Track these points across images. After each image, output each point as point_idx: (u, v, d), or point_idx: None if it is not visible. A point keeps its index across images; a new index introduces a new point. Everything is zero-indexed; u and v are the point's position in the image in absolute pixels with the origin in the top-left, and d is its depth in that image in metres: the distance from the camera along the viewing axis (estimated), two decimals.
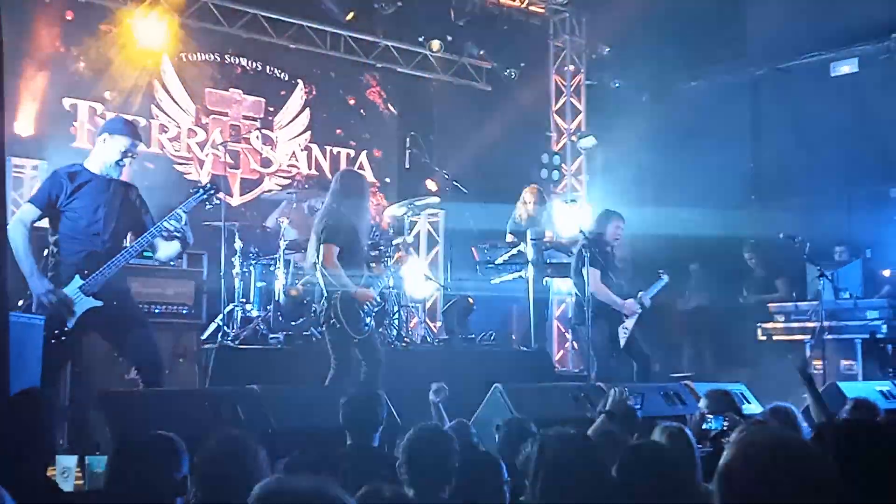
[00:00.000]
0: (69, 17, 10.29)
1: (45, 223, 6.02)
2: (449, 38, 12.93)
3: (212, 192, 6.28)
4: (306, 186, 10.67)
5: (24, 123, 9.76)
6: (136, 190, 6.30)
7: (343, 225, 7.10)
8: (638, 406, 5.50)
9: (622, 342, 8.65)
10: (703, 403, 5.98)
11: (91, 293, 5.79)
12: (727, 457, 2.00)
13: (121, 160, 6.05)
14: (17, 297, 5.66)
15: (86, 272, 5.81)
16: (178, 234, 6.08)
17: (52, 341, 5.62)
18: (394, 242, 9.41)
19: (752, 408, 7.45)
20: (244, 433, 3.63)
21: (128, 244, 6.11)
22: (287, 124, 12.15)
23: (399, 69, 13.07)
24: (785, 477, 1.90)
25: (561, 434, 2.97)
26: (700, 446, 4.41)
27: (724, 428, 5.26)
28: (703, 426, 5.35)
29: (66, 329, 5.74)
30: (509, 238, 10.34)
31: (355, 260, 7.19)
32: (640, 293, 8.82)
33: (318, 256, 7.05)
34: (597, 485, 2.68)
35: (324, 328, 7.17)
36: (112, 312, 5.88)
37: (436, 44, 12.72)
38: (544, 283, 10.29)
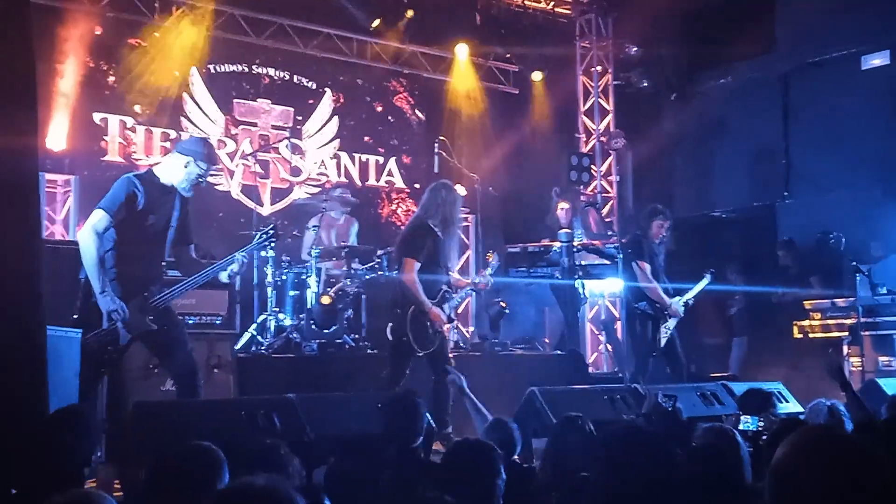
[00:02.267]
0: (98, 32, 10.36)
1: None
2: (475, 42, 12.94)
3: (272, 237, 6.26)
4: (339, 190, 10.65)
5: (55, 138, 9.82)
6: (189, 201, 6.22)
7: (428, 239, 7.19)
8: (669, 408, 5.44)
9: (663, 343, 8.58)
10: (739, 403, 5.94)
11: (149, 315, 5.81)
12: (781, 455, 1.99)
13: (196, 184, 6.05)
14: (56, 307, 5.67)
15: (146, 294, 5.81)
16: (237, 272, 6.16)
17: (105, 357, 5.68)
18: None
19: (790, 406, 7.36)
20: (275, 443, 3.62)
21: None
22: (315, 133, 12.17)
23: (426, 74, 13.07)
24: (838, 475, 1.89)
25: (626, 426, 2.94)
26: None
27: (760, 428, 5.21)
28: (740, 427, 5.30)
29: (120, 346, 5.78)
30: (545, 242, 10.32)
31: (435, 273, 7.27)
32: (684, 295, 8.76)
33: (398, 267, 7.20)
34: (661, 483, 2.64)
35: (390, 336, 7.22)
36: (161, 331, 5.90)
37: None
38: (576, 285, 10.26)
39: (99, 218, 5.73)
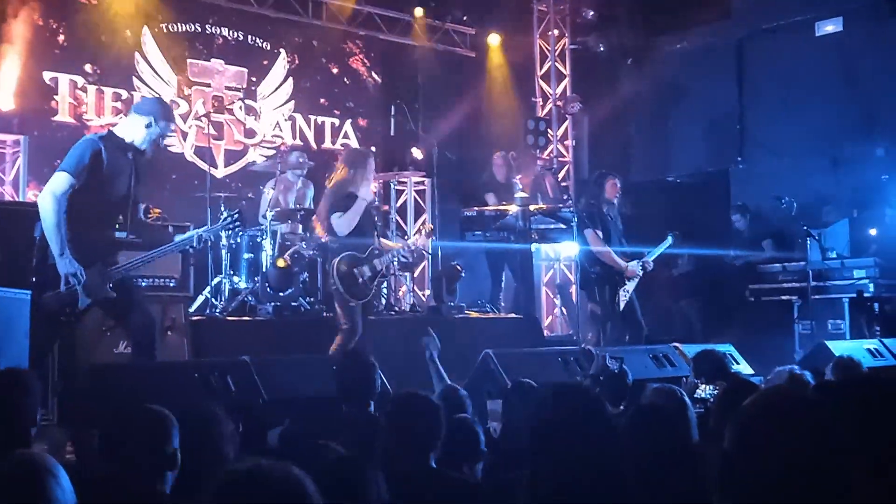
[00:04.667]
0: None
1: None
2: (432, 4, 12.87)
3: (237, 224, 6.41)
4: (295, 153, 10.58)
5: (3, 98, 9.65)
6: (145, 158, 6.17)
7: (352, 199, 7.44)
8: (616, 369, 5.51)
9: (621, 306, 8.64)
10: (693, 366, 6.02)
11: (109, 282, 5.75)
12: (746, 405, 2.07)
13: (157, 143, 6.06)
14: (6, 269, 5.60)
15: (109, 259, 5.77)
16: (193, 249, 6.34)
17: (62, 318, 5.65)
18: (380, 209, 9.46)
19: (741, 368, 7.48)
20: (210, 406, 3.62)
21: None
22: (270, 94, 12.06)
23: (382, 36, 12.97)
24: (796, 426, 1.96)
25: (563, 386, 2.96)
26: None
27: (713, 398, 5.28)
28: (696, 395, 5.37)
29: (78, 309, 5.71)
30: (492, 202, 10.35)
31: (364, 232, 7.54)
32: (644, 256, 8.80)
33: (326, 228, 7.50)
34: (600, 441, 2.68)
35: (332, 292, 7.54)
36: (119, 297, 5.85)
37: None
38: (532, 249, 10.30)
39: (60, 181, 5.62)
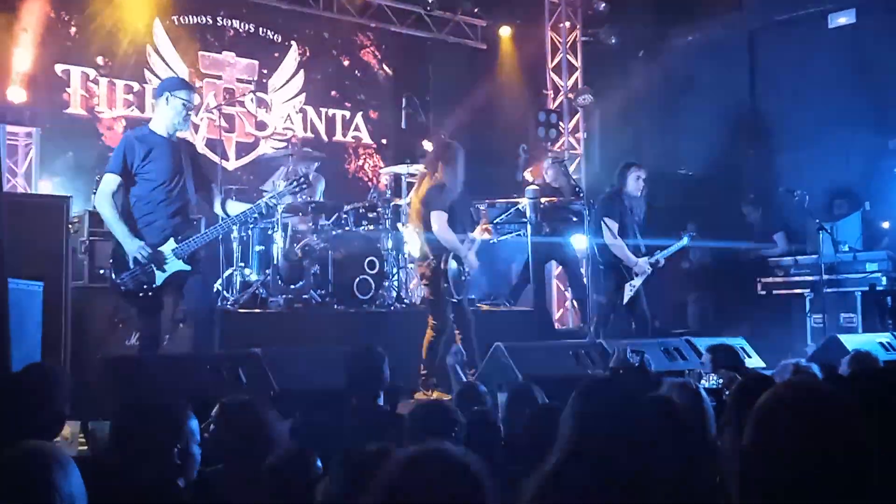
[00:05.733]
0: None
1: None
2: None
3: (304, 185, 6.70)
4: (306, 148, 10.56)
5: (16, 90, 9.68)
6: (195, 148, 6.72)
7: (446, 193, 7.52)
8: (637, 363, 5.49)
9: (626, 299, 8.59)
10: (705, 359, 5.99)
11: (182, 257, 6.03)
12: (764, 398, 2.05)
13: (187, 115, 6.26)
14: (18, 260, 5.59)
15: (179, 237, 6.05)
16: (262, 216, 6.74)
17: (140, 295, 5.96)
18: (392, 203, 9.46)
19: (753, 362, 7.45)
20: (250, 398, 3.63)
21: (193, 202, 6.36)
22: (281, 87, 12.06)
23: (393, 28, 12.97)
24: (813, 420, 1.94)
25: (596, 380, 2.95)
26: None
27: (720, 385, 5.26)
28: (703, 384, 5.35)
29: (155, 285, 5.98)
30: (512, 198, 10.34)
31: (459, 226, 7.62)
32: (656, 253, 8.74)
33: (422, 223, 7.49)
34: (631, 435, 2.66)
35: (428, 288, 7.64)
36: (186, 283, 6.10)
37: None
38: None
39: (107, 180, 6.08)
